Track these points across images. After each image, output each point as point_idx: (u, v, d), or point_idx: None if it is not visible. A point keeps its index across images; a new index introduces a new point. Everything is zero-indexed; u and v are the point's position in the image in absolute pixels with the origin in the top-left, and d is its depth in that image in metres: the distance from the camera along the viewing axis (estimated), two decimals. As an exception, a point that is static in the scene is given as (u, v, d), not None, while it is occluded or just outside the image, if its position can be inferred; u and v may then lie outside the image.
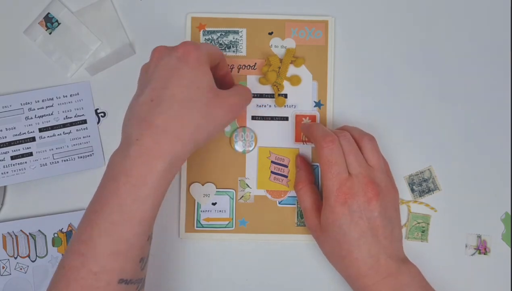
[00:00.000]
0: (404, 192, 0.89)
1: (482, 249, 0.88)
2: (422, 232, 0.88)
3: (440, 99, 0.90)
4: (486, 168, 0.89)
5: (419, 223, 0.88)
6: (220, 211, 0.88)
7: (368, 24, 0.90)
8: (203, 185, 0.88)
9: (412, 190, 0.89)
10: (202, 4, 0.90)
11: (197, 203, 0.88)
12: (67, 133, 0.88)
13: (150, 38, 0.90)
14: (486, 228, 0.88)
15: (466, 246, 0.88)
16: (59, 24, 0.90)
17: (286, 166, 0.88)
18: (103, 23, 0.90)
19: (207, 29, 0.89)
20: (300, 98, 0.89)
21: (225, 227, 0.88)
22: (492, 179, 0.89)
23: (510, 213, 0.89)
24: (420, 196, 0.88)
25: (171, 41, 0.90)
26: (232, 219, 0.88)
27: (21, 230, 0.87)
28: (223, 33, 0.89)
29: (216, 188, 0.88)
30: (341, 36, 0.90)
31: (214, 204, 0.88)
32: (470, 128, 0.90)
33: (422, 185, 0.89)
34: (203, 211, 0.88)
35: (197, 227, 0.87)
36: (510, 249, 0.88)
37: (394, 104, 0.90)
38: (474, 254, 0.88)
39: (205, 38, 0.89)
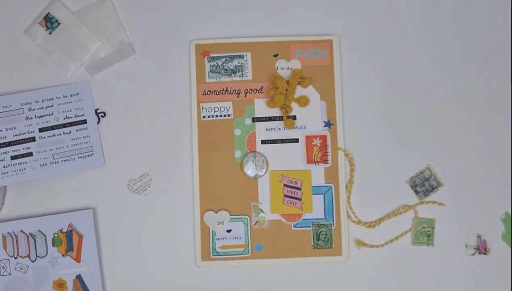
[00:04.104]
0: (408, 196, 0.89)
1: (482, 249, 0.88)
2: (428, 236, 0.88)
3: (440, 100, 0.90)
4: (486, 169, 0.89)
5: (424, 227, 0.88)
6: (235, 237, 0.88)
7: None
8: (216, 212, 0.88)
9: (416, 192, 0.89)
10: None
11: (212, 231, 0.88)
12: (67, 133, 0.88)
13: (150, 38, 0.91)
14: (486, 228, 0.88)
15: (466, 246, 0.88)
16: (59, 24, 0.90)
17: (299, 189, 0.88)
18: (103, 23, 0.90)
19: (211, 55, 0.89)
20: (309, 119, 0.89)
21: (241, 254, 0.87)
22: (492, 179, 0.89)
23: (510, 213, 0.89)
24: (426, 196, 0.89)
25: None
26: (248, 245, 0.88)
27: (21, 230, 0.87)
28: (228, 58, 0.89)
29: (230, 215, 0.88)
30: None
31: (229, 231, 0.88)
32: (470, 129, 0.90)
33: (425, 185, 0.89)
34: (218, 239, 0.88)
35: (213, 255, 0.87)
36: (510, 249, 0.88)
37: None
38: (474, 254, 0.88)
39: (210, 65, 0.89)
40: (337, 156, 0.88)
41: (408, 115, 0.90)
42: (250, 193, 0.88)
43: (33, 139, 0.88)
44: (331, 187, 0.88)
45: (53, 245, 0.87)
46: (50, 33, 0.90)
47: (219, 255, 0.87)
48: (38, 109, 0.88)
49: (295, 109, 0.89)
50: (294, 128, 0.89)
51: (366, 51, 0.90)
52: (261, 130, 0.89)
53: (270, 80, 0.89)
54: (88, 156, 0.88)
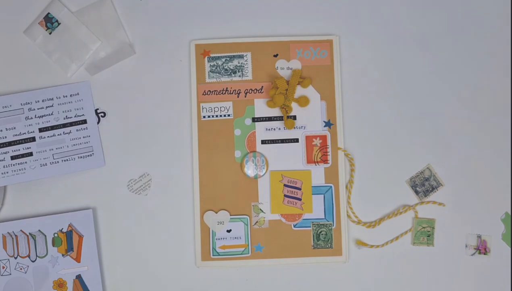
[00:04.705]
0: (408, 196, 0.89)
1: (482, 249, 0.88)
2: (428, 236, 0.88)
3: (440, 100, 0.90)
4: (486, 169, 0.89)
5: (424, 227, 0.88)
6: (235, 237, 0.88)
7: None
8: (216, 212, 0.88)
9: (416, 192, 0.89)
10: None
11: (212, 231, 0.88)
12: (67, 133, 0.88)
13: (150, 38, 0.91)
14: (486, 228, 0.88)
15: (466, 246, 0.88)
16: (59, 24, 0.90)
17: (299, 189, 0.88)
18: (103, 23, 0.90)
19: (211, 55, 0.89)
20: (309, 119, 0.89)
21: (241, 254, 0.87)
22: (492, 179, 0.89)
23: (510, 213, 0.89)
24: (426, 196, 0.89)
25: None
26: (248, 245, 0.88)
27: (21, 230, 0.87)
28: (228, 58, 0.89)
29: (230, 215, 0.88)
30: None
31: (229, 231, 0.88)
32: (470, 129, 0.90)
33: (425, 185, 0.89)
34: (218, 239, 0.88)
35: (213, 255, 0.87)
36: (510, 249, 0.88)
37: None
38: (474, 254, 0.88)
39: (210, 65, 0.89)
40: (337, 156, 0.88)
41: (408, 115, 0.90)
42: (250, 193, 0.88)
43: (33, 139, 0.88)
44: (331, 187, 0.88)
45: (53, 245, 0.87)
46: (50, 33, 0.90)
47: (219, 255, 0.87)
48: (38, 109, 0.88)
49: (295, 109, 0.89)
50: (294, 128, 0.89)
51: (366, 51, 0.90)
52: (261, 130, 0.89)
53: (270, 80, 0.89)
54: (88, 156, 0.88)
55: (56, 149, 0.88)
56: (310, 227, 0.88)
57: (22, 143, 0.87)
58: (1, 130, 0.87)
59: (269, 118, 0.89)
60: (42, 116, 0.88)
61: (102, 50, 0.90)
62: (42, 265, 0.87)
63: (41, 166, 0.87)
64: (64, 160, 0.88)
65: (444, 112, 0.90)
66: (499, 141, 0.90)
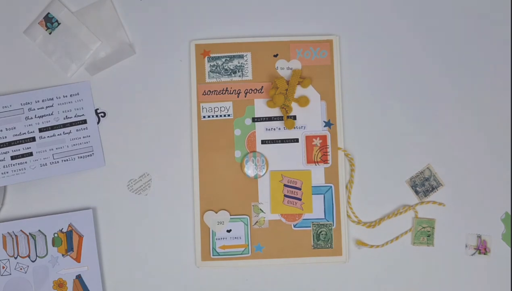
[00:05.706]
0: (408, 196, 0.89)
1: (482, 249, 0.88)
2: (428, 236, 0.88)
3: (440, 100, 0.90)
4: (486, 169, 0.89)
5: (424, 227, 0.88)
6: (235, 237, 0.88)
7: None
8: (216, 212, 0.88)
9: (416, 192, 0.89)
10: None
11: (212, 231, 0.88)
12: (67, 133, 0.88)
13: (150, 38, 0.91)
14: (486, 228, 0.88)
15: (466, 246, 0.88)
16: (59, 24, 0.90)
17: (299, 189, 0.88)
18: (103, 23, 0.90)
19: (211, 55, 0.89)
20: (310, 119, 0.89)
21: (241, 254, 0.88)
22: (492, 179, 0.89)
23: (510, 213, 0.89)
24: (426, 196, 0.89)
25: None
26: (248, 245, 0.88)
27: (21, 230, 0.87)
28: (228, 58, 0.89)
29: (230, 215, 0.88)
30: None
31: (229, 231, 0.88)
32: (470, 129, 0.90)
33: (425, 185, 0.89)
34: (218, 239, 0.88)
35: (213, 255, 0.87)
36: (510, 249, 0.88)
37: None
38: (474, 254, 0.88)
39: (210, 65, 0.89)
40: (337, 156, 0.88)
41: (408, 115, 0.90)
42: (250, 193, 0.88)
43: (33, 139, 0.88)
44: (331, 187, 0.88)
45: (53, 245, 0.87)
46: (50, 33, 0.90)
47: (219, 255, 0.87)
48: (38, 109, 0.88)
49: (295, 109, 0.89)
50: (294, 128, 0.89)
51: (366, 51, 0.90)
52: (261, 130, 0.89)
53: (270, 80, 0.89)
54: (88, 156, 0.88)
55: (56, 149, 0.88)
56: (310, 227, 0.88)
57: (22, 143, 0.88)
58: (1, 130, 0.87)
59: (269, 118, 0.89)
60: (42, 116, 0.88)
61: (102, 50, 0.90)
62: (42, 265, 0.87)
63: (41, 166, 0.87)
64: (64, 160, 0.88)
65: (444, 112, 0.90)
66: (499, 142, 0.90)
